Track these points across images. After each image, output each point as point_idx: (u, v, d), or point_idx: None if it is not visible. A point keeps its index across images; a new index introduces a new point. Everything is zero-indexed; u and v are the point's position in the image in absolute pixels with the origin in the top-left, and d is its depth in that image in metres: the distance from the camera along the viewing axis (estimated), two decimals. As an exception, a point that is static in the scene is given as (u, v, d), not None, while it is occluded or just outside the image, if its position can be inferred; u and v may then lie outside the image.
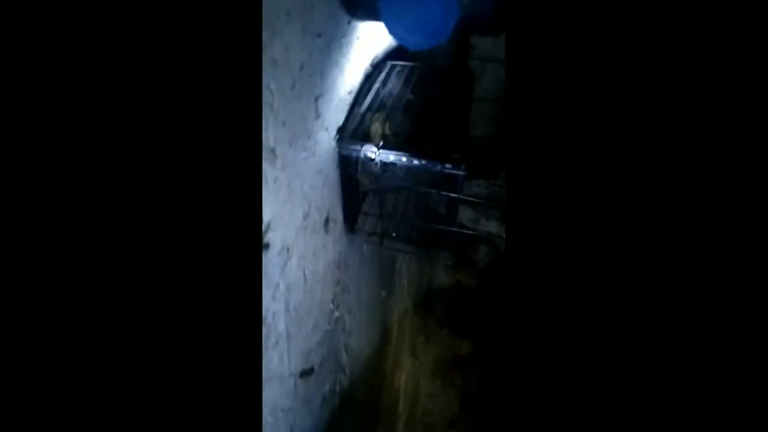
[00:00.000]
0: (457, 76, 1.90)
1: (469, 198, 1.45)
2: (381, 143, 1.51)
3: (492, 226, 3.33)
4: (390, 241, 1.75)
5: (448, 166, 1.35)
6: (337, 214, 1.58)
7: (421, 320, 3.53)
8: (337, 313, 1.74)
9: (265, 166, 0.92)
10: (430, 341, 3.56)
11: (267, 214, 0.95)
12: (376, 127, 1.60)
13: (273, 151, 0.93)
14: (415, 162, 1.46)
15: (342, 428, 1.95)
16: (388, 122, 1.62)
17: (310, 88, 1.13)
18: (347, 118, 1.52)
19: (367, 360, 2.40)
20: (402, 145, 1.54)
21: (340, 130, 1.47)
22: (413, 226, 1.74)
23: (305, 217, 1.22)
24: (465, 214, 3.20)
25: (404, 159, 1.46)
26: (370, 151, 1.45)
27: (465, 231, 2.93)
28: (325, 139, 1.34)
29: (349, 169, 1.57)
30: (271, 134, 0.93)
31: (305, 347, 1.36)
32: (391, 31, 1.17)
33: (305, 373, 1.36)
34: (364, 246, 2.17)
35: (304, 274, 1.27)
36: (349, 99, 1.53)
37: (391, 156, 1.44)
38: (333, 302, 1.67)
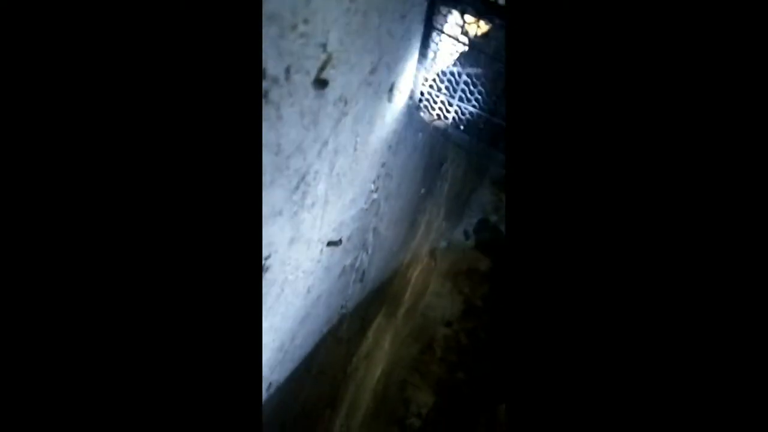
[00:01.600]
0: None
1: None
2: (486, 6, 1.17)
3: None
4: (455, 131, 1.52)
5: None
6: (406, 84, 1.34)
7: (450, 227, 3.48)
8: (375, 195, 1.64)
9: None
10: (451, 248, 3.57)
11: (333, 42, 0.74)
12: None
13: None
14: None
15: (351, 299, 2.05)
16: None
17: None
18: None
19: (390, 247, 2.41)
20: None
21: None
22: (487, 122, 1.48)
23: (372, 70, 1.00)
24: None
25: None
26: (470, 12, 1.13)
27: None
28: (422, -24, 1.03)
29: (435, 29, 1.26)
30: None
31: (338, 218, 1.29)
32: None
33: (332, 243, 1.32)
34: (420, 134, 1.96)
35: (356, 142, 1.12)
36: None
37: (492, 25, 1.12)
38: (374, 183, 1.56)
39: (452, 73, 1.43)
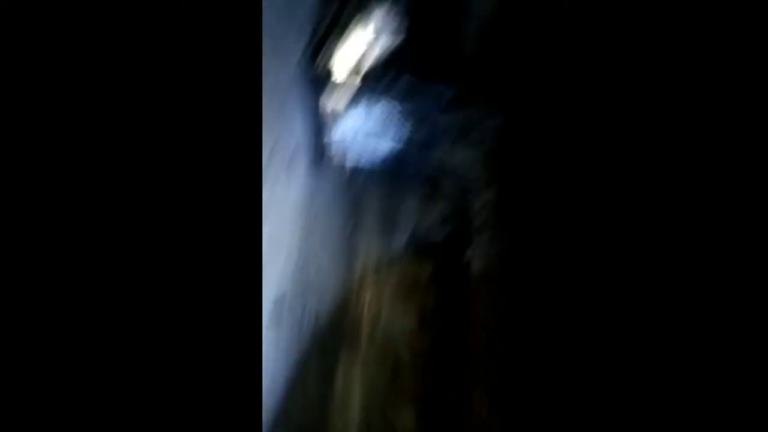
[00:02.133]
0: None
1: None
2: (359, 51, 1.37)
3: (464, 161, 3.28)
4: (359, 173, 1.72)
5: (442, 86, 1.25)
6: (303, 148, 1.52)
7: (387, 244, 3.64)
8: (306, 250, 1.77)
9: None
10: (394, 263, 3.73)
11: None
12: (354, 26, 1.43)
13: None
14: (401, 82, 1.35)
15: (311, 343, 2.12)
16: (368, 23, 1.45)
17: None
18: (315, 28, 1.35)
19: (335, 285, 2.52)
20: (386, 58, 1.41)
21: (309, 48, 1.33)
22: (386, 155, 1.69)
23: (273, 149, 1.17)
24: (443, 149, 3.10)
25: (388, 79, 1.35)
26: (342, 69, 1.33)
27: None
28: (292, 51, 1.22)
29: (316, 91, 1.46)
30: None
31: (277, 276, 1.40)
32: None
33: (278, 301, 1.43)
34: (336, 177, 2.13)
35: (275, 210, 1.26)
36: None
37: (364, 77, 1.33)
38: (302, 240, 1.69)
39: (342, 123, 1.64)
